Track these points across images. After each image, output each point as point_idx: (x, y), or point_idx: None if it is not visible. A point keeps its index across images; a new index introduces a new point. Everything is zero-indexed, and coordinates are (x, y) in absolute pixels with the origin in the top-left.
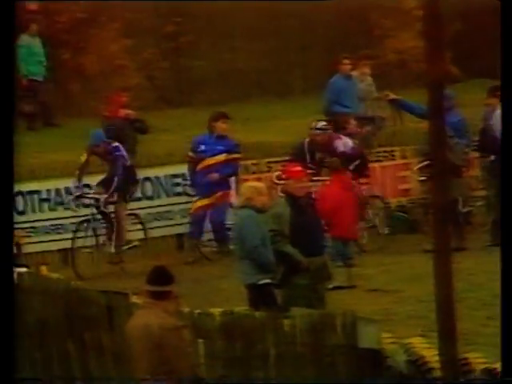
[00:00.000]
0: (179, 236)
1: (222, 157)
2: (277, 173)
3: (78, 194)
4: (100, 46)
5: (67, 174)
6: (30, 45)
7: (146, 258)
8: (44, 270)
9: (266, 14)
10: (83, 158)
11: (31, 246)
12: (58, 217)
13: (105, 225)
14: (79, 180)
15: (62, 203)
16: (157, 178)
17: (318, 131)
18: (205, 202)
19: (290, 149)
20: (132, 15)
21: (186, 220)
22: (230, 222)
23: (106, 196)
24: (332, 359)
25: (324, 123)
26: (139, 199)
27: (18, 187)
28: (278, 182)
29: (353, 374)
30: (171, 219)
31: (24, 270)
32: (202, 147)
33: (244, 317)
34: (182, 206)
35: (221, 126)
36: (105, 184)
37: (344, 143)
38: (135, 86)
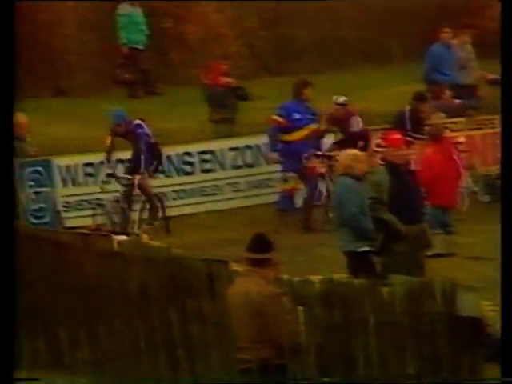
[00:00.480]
0: None
1: (314, 126)
2: (377, 141)
3: (109, 172)
4: (201, 15)
5: (168, 142)
6: (131, 13)
7: (245, 226)
8: (145, 237)
9: None
10: (108, 140)
11: (133, 213)
12: (161, 185)
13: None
14: (108, 161)
15: (163, 171)
16: (257, 146)
17: (338, 106)
18: (298, 182)
19: (391, 117)
20: None
21: None
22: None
23: (138, 177)
24: (431, 327)
25: (344, 98)
26: (239, 167)
27: (120, 155)
28: (377, 149)
29: (452, 342)
30: (271, 187)
31: (125, 237)
32: (297, 115)
33: (343, 284)
34: (281, 174)
35: (309, 93)
36: (132, 164)
37: (358, 122)
38: (235, 54)
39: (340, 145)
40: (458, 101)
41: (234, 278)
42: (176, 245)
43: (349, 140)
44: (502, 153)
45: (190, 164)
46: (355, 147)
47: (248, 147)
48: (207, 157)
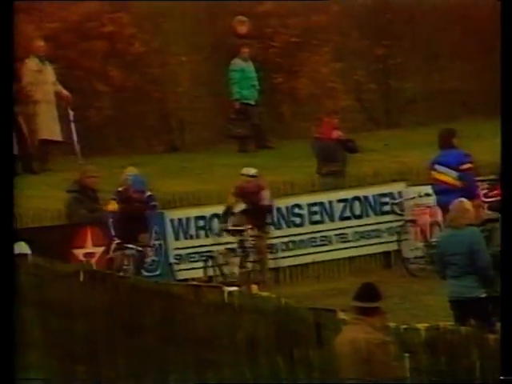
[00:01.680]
0: (386, 254)
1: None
2: (484, 191)
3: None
4: (312, 69)
5: (279, 194)
6: (243, 69)
7: (353, 275)
8: (255, 288)
9: (472, 33)
10: (112, 206)
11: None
12: (271, 236)
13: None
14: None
15: (273, 223)
16: (365, 197)
17: (250, 178)
18: None
19: (497, 168)
20: (342, 39)
21: (393, 238)
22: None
23: (149, 249)
24: None
25: (255, 170)
26: (348, 218)
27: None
28: (485, 199)
29: None
30: (379, 237)
31: (235, 289)
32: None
33: (449, 332)
34: (389, 225)
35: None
36: (140, 232)
37: (268, 195)
38: (345, 107)
39: (248, 217)
40: None
41: (342, 326)
42: (285, 295)
43: (256, 211)
44: (502, 154)
45: (300, 216)
46: (262, 219)
47: (356, 199)
48: (316, 208)
